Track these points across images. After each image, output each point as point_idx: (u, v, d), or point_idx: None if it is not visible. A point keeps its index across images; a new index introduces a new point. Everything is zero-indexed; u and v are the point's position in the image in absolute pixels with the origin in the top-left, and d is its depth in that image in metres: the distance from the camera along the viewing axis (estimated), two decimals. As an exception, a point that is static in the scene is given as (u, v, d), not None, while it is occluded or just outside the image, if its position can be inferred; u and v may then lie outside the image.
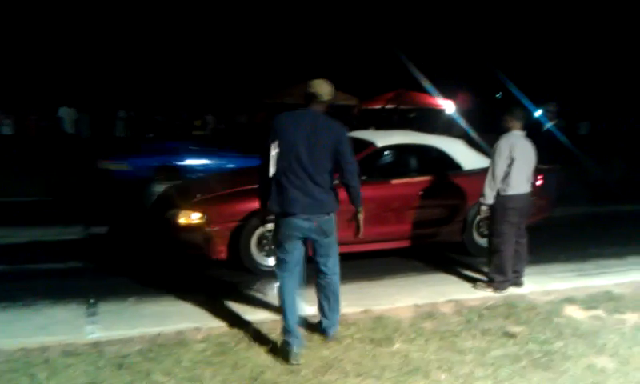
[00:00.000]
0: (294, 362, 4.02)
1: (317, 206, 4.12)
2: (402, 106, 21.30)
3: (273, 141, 4.07)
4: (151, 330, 4.63)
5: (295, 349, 4.09)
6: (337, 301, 4.49)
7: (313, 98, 4.17)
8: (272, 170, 4.09)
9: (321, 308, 4.50)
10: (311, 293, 4.53)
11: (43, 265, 6.61)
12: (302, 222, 4.09)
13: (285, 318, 4.17)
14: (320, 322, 4.53)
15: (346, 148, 4.18)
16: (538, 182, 7.07)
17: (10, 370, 3.85)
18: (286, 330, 4.16)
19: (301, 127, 4.08)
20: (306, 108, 4.19)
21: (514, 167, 5.69)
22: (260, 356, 4.17)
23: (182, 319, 4.90)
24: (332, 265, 4.38)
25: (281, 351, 4.16)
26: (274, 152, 4.06)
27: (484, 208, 5.85)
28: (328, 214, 4.21)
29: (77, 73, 28.70)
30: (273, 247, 4.35)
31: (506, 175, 5.71)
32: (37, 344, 4.29)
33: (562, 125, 8.47)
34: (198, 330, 4.60)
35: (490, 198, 5.77)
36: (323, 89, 4.18)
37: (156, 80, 29.51)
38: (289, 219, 4.09)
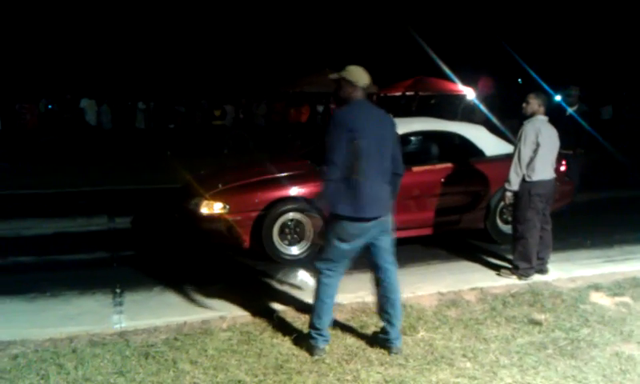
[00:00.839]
0: (317, 357, 4.00)
1: (386, 205, 4.00)
2: (421, 93, 21.12)
3: (349, 138, 3.74)
4: (177, 319, 4.68)
5: (321, 345, 4.05)
6: (400, 304, 4.22)
7: (358, 84, 3.94)
8: (349, 170, 3.77)
9: (386, 314, 4.16)
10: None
11: (69, 256, 6.70)
12: (375, 224, 3.91)
13: (318, 317, 4.03)
14: (385, 332, 4.18)
15: (398, 137, 4.11)
16: (562, 168, 7.00)
17: (39, 359, 3.92)
18: (316, 328, 4.04)
19: (371, 121, 3.89)
20: (358, 99, 3.95)
21: (540, 153, 5.63)
22: (284, 344, 4.19)
23: (206, 308, 4.95)
24: (392, 260, 4.18)
25: (305, 345, 4.11)
26: (357, 149, 3.75)
27: (509, 194, 5.81)
28: (390, 211, 4.08)
29: (97, 65, 28.92)
30: (322, 245, 4.05)
31: (531, 161, 5.65)
32: (64, 334, 4.36)
33: (583, 109, 8.30)
34: (222, 318, 4.64)
35: (515, 184, 5.72)
36: (363, 74, 3.97)
37: (175, 70, 29.64)
38: (362, 224, 3.87)
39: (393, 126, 4.06)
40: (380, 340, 4.17)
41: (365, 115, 3.88)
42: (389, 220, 4.05)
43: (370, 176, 3.82)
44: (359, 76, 3.94)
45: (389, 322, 4.11)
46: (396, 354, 4.05)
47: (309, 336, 4.09)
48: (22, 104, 16.62)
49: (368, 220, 3.86)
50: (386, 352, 4.08)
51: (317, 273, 4.04)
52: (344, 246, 3.93)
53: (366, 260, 4.15)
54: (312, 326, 4.07)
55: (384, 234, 4.04)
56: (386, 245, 4.09)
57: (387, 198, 4.01)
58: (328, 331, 4.13)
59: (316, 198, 4.03)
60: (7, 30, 27.48)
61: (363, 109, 3.92)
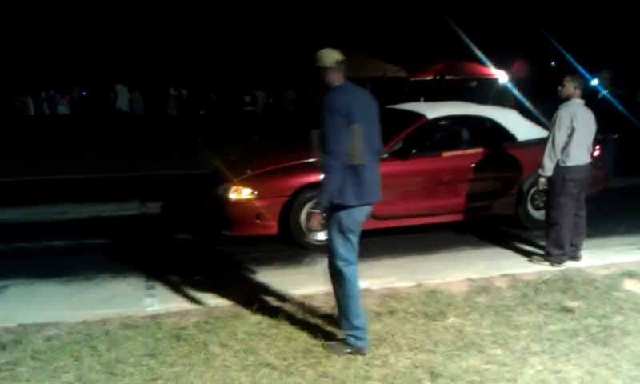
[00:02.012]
0: (368, 353, 3.85)
1: (379, 188, 3.95)
2: (452, 77, 20.89)
3: (346, 123, 3.61)
4: (207, 302, 4.74)
5: (368, 342, 3.89)
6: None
7: (340, 65, 3.79)
8: (351, 156, 3.65)
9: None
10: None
11: (103, 240, 6.81)
12: (368, 208, 3.88)
13: (357, 316, 3.84)
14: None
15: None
16: (596, 153, 6.86)
17: (73, 341, 3.99)
18: (357, 328, 3.84)
19: (362, 102, 3.78)
20: (342, 81, 3.80)
21: (575, 137, 5.52)
22: (313, 329, 4.20)
23: (236, 292, 4.98)
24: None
25: (350, 348, 3.84)
26: (355, 135, 3.64)
27: (542, 180, 5.71)
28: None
29: (129, 52, 29.21)
30: (331, 237, 3.85)
31: (566, 145, 5.54)
32: (98, 316, 4.44)
33: (617, 92, 8.13)
34: (252, 302, 4.68)
35: (549, 169, 5.63)
36: (340, 55, 3.80)
37: (206, 57, 29.78)
38: (366, 209, 3.85)
39: (377, 106, 3.96)
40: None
41: (355, 97, 3.76)
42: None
43: (368, 160, 3.75)
44: (326, 56, 3.76)
45: None
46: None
47: (354, 338, 3.84)
48: (17, 90, 16.74)
49: (370, 205, 3.86)
50: (415, 338, 4.07)
51: (336, 275, 3.85)
52: (353, 237, 3.83)
53: None
54: (352, 327, 3.84)
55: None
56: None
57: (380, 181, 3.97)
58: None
59: (318, 194, 3.78)
60: (42, 19, 27.92)
61: (352, 91, 3.79)
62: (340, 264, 3.81)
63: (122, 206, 8.34)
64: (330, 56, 3.77)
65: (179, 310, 4.58)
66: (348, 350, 3.83)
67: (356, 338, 3.85)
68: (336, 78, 3.77)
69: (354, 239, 3.85)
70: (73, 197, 9.08)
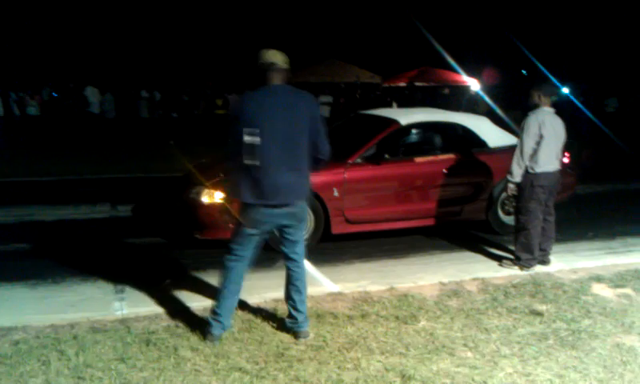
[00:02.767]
0: (209, 342, 3.98)
1: (295, 193, 3.91)
2: (424, 84, 21.09)
3: (245, 125, 3.72)
4: (178, 306, 4.69)
5: (216, 332, 4.02)
6: (306, 291, 4.23)
7: (271, 67, 3.81)
8: (246, 158, 3.74)
9: (291, 300, 4.18)
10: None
11: (72, 243, 6.70)
12: (283, 212, 3.89)
13: (217, 301, 4.04)
14: (291, 317, 4.19)
15: (320, 120, 3.95)
16: (565, 160, 6.97)
17: (40, 345, 3.92)
18: (214, 313, 4.03)
19: (275, 107, 3.77)
20: (269, 84, 3.83)
21: (543, 144, 5.60)
22: (285, 333, 4.19)
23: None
24: (300, 251, 4.16)
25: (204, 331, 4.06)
26: (248, 138, 3.71)
27: (511, 186, 5.79)
28: (304, 199, 4.02)
29: (100, 54, 28.89)
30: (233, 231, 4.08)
31: (535, 152, 5.62)
32: (66, 320, 4.37)
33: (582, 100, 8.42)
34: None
35: (517, 175, 5.70)
36: (278, 57, 3.86)
37: (179, 59, 29.59)
38: (266, 210, 3.85)
39: (310, 110, 3.90)
40: (288, 325, 4.19)
41: (267, 101, 3.78)
42: (299, 210, 4.01)
43: (270, 164, 3.75)
44: (268, 57, 3.83)
45: (294, 308, 4.15)
46: (304, 338, 4.10)
47: (214, 321, 4.04)
48: None
49: (273, 206, 3.85)
50: (387, 341, 4.09)
51: (224, 264, 4.05)
52: (248, 231, 3.93)
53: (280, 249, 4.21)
54: (211, 310, 4.08)
55: (294, 224, 4.03)
56: (294, 237, 4.09)
57: (296, 186, 3.92)
58: (229, 319, 4.09)
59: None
60: (11, 19, 27.46)
61: (268, 95, 3.80)
62: (230, 246, 4.01)
63: (92, 208, 8.23)
64: (270, 56, 3.85)
65: (149, 314, 4.53)
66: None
67: (208, 322, 4.04)
68: (268, 79, 3.83)
69: (249, 233, 3.95)
70: (42, 199, 8.93)
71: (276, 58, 3.85)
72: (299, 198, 3.97)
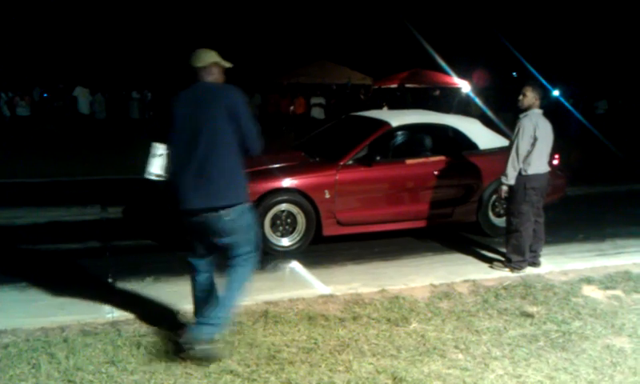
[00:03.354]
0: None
1: (215, 194, 3.58)
2: (415, 85, 21.16)
3: (169, 127, 3.64)
4: (169, 309, 4.67)
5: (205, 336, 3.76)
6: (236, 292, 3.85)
7: (195, 67, 3.71)
8: (171, 162, 3.68)
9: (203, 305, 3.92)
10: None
11: (62, 245, 6.67)
12: (210, 217, 3.60)
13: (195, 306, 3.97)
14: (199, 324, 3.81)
15: (244, 114, 3.65)
16: (555, 162, 7.01)
17: (30, 348, 3.90)
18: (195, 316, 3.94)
19: (190, 104, 3.63)
20: (195, 84, 3.71)
21: (537, 146, 5.63)
22: (276, 335, 4.19)
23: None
24: (243, 251, 3.81)
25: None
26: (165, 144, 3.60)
27: (504, 188, 5.80)
28: (230, 205, 3.61)
29: (91, 54, 28.77)
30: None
31: (528, 154, 5.65)
32: (56, 323, 4.34)
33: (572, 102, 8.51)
34: (214, 309, 4.62)
35: (512, 178, 5.72)
36: (203, 55, 3.74)
37: (169, 60, 29.51)
38: (189, 218, 3.68)
39: (228, 104, 3.61)
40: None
41: (183, 101, 3.66)
42: (229, 213, 3.62)
43: (182, 167, 3.60)
44: (196, 58, 3.73)
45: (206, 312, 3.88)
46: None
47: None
48: None
49: (192, 212, 3.63)
50: (378, 343, 4.09)
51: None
52: (193, 241, 3.85)
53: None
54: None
55: (224, 228, 3.66)
56: (230, 240, 3.73)
57: (215, 187, 3.58)
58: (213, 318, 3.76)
59: None
60: (1, 19, 27.31)
61: (186, 94, 3.68)
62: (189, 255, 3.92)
63: (82, 210, 8.18)
64: (199, 57, 3.74)
65: (140, 317, 4.51)
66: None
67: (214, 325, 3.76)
68: (198, 78, 3.73)
69: (194, 244, 3.86)
70: (33, 201, 8.87)
71: (199, 56, 3.73)
72: (221, 199, 3.59)
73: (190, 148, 3.57)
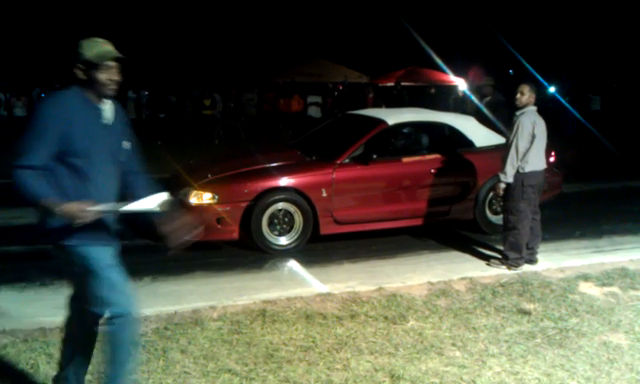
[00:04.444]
0: None
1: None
2: (411, 83, 21.18)
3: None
4: (167, 308, 4.67)
5: None
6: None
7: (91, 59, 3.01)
8: None
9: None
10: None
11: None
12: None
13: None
14: None
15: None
16: (551, 159, 7.03)
17: (29, 349, 3.90)
18: None
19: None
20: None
21: (535, 144, 5.65)
22: (274, 334, 4.19)
23: (197, 298, 4.94)
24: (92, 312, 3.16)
25: None
26: None
27: (502, 185, 5.81)
28: (56, 242, 3.04)
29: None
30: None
31: (526, 152, 5.66)
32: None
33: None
34: (213, 308, 4.64)
35: (511, 176, 5.72)
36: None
37: (166, 59, 29.49)
38: None
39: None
40: None
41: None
42: (64, 253, 3.14)
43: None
44: (84, 47, 3.01)
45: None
46: None
47: None
48: None
49: None
50: (376, 341, 4.10)
51: None
52: None
53: None
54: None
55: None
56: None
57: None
58: None
59: None
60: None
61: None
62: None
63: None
64: (88, 46, 3.03)
65: (137, 317, 4.50)
66: None
67: None
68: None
69: None
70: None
71: (87, 46, 3.06)
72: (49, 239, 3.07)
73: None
